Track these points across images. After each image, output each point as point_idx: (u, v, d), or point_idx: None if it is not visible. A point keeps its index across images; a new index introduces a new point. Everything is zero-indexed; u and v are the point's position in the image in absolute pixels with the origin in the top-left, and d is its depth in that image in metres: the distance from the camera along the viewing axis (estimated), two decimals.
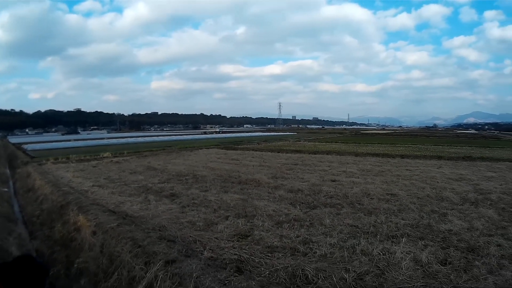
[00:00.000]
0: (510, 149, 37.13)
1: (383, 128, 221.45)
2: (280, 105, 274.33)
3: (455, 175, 16.98)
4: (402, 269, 5.96)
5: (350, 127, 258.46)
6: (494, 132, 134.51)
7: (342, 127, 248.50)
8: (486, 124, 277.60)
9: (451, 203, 11.05)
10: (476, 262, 6.32)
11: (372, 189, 13.20)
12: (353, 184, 14.29)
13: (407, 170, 18.99)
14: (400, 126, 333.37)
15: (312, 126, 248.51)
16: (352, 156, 27.48)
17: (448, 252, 6.79)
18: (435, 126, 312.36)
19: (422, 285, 5.39)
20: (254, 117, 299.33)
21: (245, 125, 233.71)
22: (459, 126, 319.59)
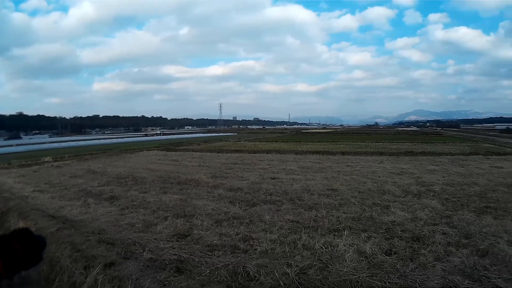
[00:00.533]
0: (452, 144, 40.14)
1: (324, 127, 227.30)
2: (221, 106, 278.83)
3: (396, 169, 17.75)
4: (346, 261, 6.07)
5: (291, 126, 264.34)
6: (437, 129, 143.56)
7: (283, 126, 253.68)
8: (428, 121, 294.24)
9: (393, 196, 11.49)
10: (422, 250, 6.57)
11: (312, 185, 13.47)
12: (293, 181, 14.52)
13: (347, 166, 19.63)
14: (341, 125, 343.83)
15: (253, 127, 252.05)
16: (292, 155, 28.11)
17: (393, 243, 7.00)
18: (376, 124, 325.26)
19: (368, 276, 5.49)
20: (195, 119, 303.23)
21: (186, 127, 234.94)
22: (401, 124, 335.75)
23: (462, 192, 12.05)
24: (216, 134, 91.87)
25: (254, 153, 30.21)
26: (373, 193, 11.93)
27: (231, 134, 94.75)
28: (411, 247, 6.77)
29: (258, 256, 6.47)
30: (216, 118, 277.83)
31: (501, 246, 6.58)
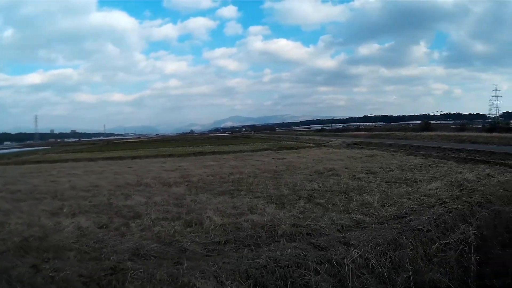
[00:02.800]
0: (253, 144, 47.24)
1: (139, 137, 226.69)
2: (36, 118, 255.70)
3: (173, 167, 20.35)
4: (63, 232, 7.88)
5: (107, 138, 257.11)
6: (251, 132, 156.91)
7: (99, 138, 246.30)
8: (244, 126, 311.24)
9: (146, 187, 13.75)
10: (132, 224, 8.58)
11: (80, 184, 15.14)
12: (68, 182, 15.99)
13: (128, 167, 21.70)
14: (157, 134, 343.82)
15: (70, 140, 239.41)
16: (86, 162, 29.57)
17: (112, 219, 8.99)
18: (192, 132, 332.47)
19: (73, 242, 7.20)
20: (14, 133, 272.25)
21: (5, 142, 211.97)
22: (216, 130, 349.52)
23: (220, 180, 14.82)
24: (31, 149, 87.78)
25: (54, 162, 30.96)
26: (129, 186, 14.01)
27: (46, 147, 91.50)
28: (127, 222, 8.72)
29: (5, 234, 7.90)
30: (34, 132, 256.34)
31: (213, 218, 8.70)
